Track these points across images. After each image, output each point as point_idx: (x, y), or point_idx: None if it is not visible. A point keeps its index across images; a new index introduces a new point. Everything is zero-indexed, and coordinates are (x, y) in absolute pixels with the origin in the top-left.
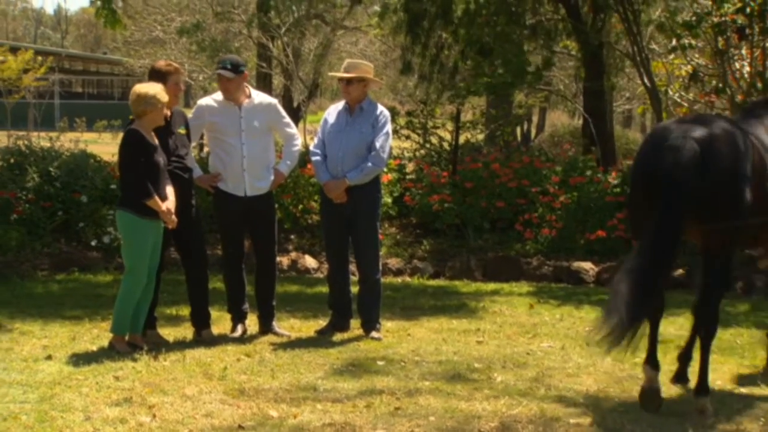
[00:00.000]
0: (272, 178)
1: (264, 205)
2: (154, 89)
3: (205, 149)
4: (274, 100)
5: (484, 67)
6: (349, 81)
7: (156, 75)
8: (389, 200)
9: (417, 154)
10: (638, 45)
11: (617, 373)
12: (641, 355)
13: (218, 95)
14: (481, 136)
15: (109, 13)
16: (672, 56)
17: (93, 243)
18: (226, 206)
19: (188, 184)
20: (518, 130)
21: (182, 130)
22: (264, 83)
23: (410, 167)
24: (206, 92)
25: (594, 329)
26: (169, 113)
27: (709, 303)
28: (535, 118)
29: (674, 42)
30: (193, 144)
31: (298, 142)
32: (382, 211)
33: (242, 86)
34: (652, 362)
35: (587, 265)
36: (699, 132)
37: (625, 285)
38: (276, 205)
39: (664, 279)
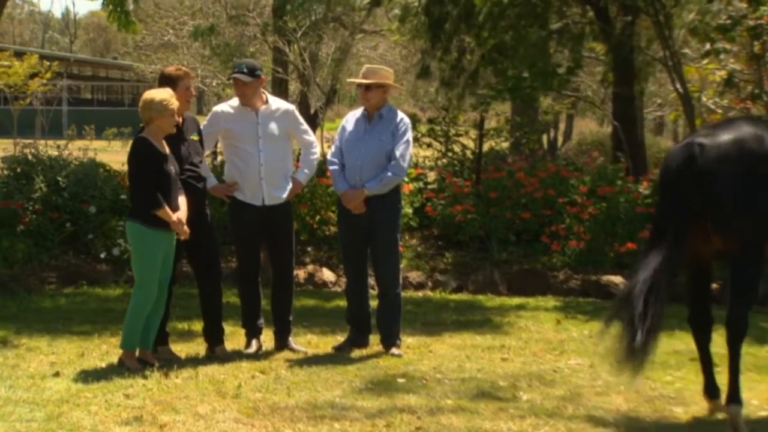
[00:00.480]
0: (290, 187)
1: (282, 215)
2: (164, 95)
3: (220, 157)
4: (292, 106)
5: (507, 69)
6: (368, 87)
7: (166, 80)
8: (410, 211)
9: (439, 162)
10: (670, 49)
11: (648, 392)
12: (673, 373)
13: (234, 101)
14: (505, 144)
15: (123, 15)
16: (705, 61)
17: (102, 255)
18: (242, 216)
19: (202, 194)
20: (544, 137)
21: (195, 137)
22: (280, 89)
23: (432, 176)
24: (220, 99)
25: (605, 346)
26: (180, 120)
27: (734, 305)
28: (561, 126)
29: (708, 46)
30: (207, 152)
31: (317, 150)
32: (402, 223)
33: (259, 91)
34: (710, 391)
35: (617, 279)
36: (712, 136)
37: (630, 297)
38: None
39: (664, 288)
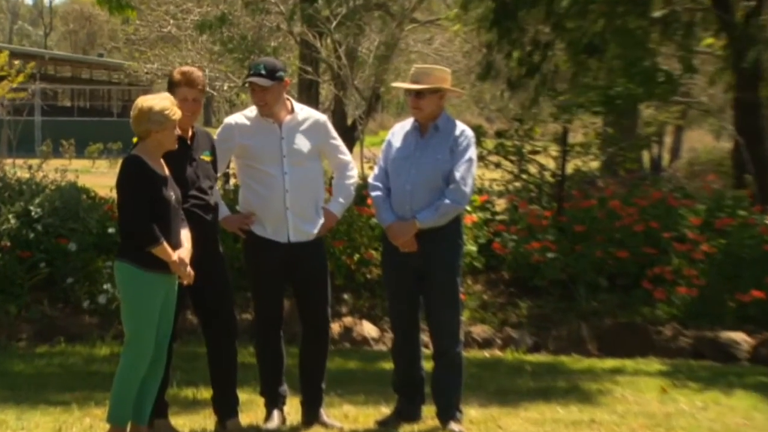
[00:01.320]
0: (322, 219)
1: (312, 255)
2: (164, 102)
3: (233, 180)
4: (324, 117)
5: (596, 72)
6: (419, 92)
7: (167, 84)
8: (473, 248)
9: (510, 187)
10: None
11: None
12: None
13: (251, 111)
14: (595, 164)
15: None
16: None
17: (85, 305)
18: (261, 256)
19: (211, 228)
20: (645, 155)
21: (206, 157)
22: (308, 94)
23: (501, 205)
24: (233, 107)
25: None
26: (190, 133)
27: None
28: (667, 140)
29: None
30: (219, 173)
31: (355, 173)
32: (463, 263)
33: (282, 97)
34: None
35: (739, 336)
36: None
37: None
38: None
39: None
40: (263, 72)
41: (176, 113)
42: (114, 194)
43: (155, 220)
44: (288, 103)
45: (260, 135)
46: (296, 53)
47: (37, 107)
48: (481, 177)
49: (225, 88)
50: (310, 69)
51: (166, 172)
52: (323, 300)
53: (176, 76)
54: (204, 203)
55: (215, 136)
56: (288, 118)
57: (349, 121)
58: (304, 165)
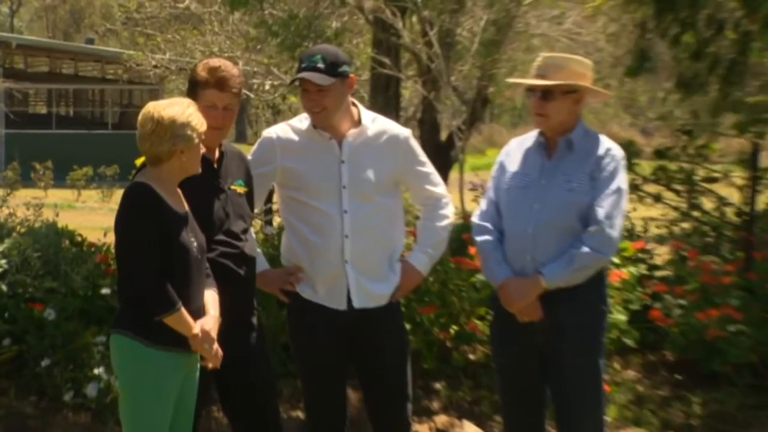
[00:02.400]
0: (398, 278)
1: (384, 329)
2: (186, 109)
3: (276, 220)
4: (406, 132)
5: None
6: (546, 92)
7: (189, 83)
8: (622, 318)
9: (675, 229)
10: None
11: None
12: None
13: (301, 120)
14: None
15: None
16: None
17: (68, 397)
18: (313, 328)
19: (247, 287)
20: None
21: (239, 187)
22: (385, 97)
23: (663, 255)
24: (277, 115)
25: None
26: (216, 153)
27: None
28: None
29: None
30: (257, 210)
31: (450, 211)
32: (608, 339)
33: (346, 102)
34: None
35: None
36: None
37: None
38: (407, 327)
39: None
40: (321, 65)
41: (203, 124)
42: (110, 239)
43: (170, 276)
44: (354, 110)
45: (311, 155)
46: (367, 39)
47: (1, 114)
48: (633, 215)
49: (266, 87)
50: (387, 61)
51: (186, 207)
52: (402, 393)
53: (201, 73)
54: (236, 252)
55: (250, 156)
56: (352, 132)
57: (444, 136)
58: (373, 200)
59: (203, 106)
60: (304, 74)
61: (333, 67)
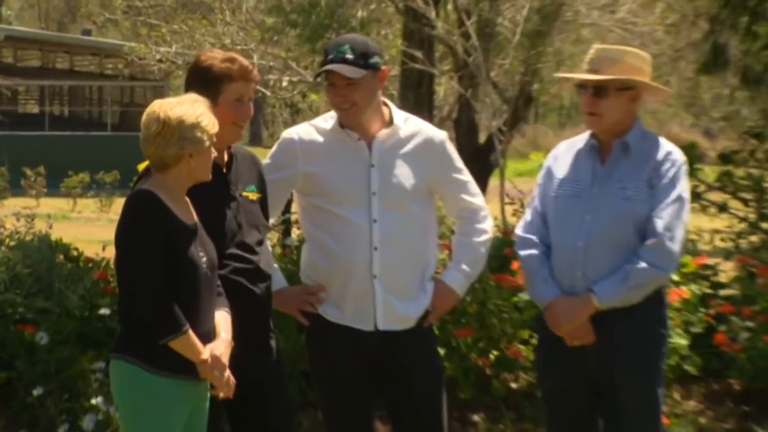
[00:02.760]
0: (428, 299)
1: (415, 353)
2: (196, 109)
3: (295, 232)
4: (442, 134)
5: None
6: (599, 89)
7: (200, 80)
8: (683, 342)
9: (743, 243)
10: None
11: None
12: None
13: (325, 120)
14: None
15: None
16: None
17: (61, 430)
18: (335, 352)
19: (262, 307)
20: None
21: (252, 194)
22: (417, 94)
23: (729, 272)
24: (296, 114)
25: None
26: (225, 157)
27: None
28: None
29: None
30: (273, 219)
31: (488, 224)
32: (668, 366)
33: (377, 98)
34: None
35: None
36: None
37: None
38: (440, 352)
39: None
40: (350, 56)
41: (215, 125)
42: (110, 254)
43: (176, 295)
44: (385, 110)
45: (337, 158)
46: (397, 29)
47: None
48: (696, 227)
49: (283, 84)
50: (419, 54)
51: (195, 218)
52: (435, 425)
53: (221, 65)
54: (251, 268)
55: (266, 160)
56: (383, 133)
57: (482, 138)
58: (405, 209)
59: (230, 101)
60: (332, 66)
61: (363, 58)
